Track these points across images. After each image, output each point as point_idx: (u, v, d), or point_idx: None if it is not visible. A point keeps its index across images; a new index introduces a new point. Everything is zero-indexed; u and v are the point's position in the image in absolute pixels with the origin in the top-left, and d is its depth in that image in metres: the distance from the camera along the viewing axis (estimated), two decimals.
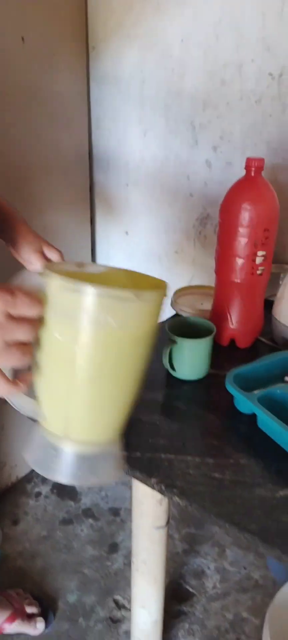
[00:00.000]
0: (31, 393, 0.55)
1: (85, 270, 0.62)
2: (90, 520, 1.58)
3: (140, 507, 0.84)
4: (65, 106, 1.44)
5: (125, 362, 0.52)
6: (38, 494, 1.66)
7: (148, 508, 0.83)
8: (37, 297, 0.48)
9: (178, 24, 1.26)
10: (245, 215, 0.83)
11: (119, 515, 1.60)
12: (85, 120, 1.53)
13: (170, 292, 1.15)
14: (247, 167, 0.84)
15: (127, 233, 1.60)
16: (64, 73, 1.41)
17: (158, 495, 0.81)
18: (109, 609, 1.32)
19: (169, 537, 1.51)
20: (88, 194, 1.61)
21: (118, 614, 1.31)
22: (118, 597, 1.35)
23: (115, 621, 1.30)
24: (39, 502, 1.63)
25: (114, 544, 1.50)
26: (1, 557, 1.42)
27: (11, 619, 1.22)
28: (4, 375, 0.51)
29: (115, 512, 1.61)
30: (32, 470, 1.72)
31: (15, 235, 0.81)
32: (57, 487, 1.68)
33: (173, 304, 1.07)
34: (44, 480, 1.71)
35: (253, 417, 0.75)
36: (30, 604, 1.27)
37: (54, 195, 1.48)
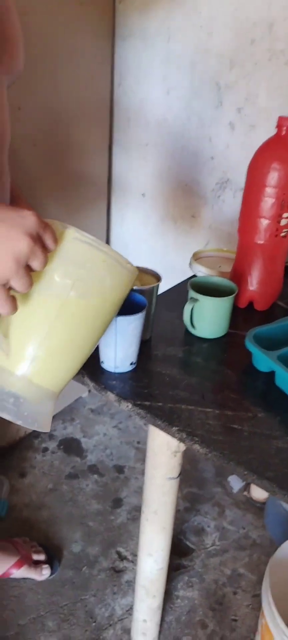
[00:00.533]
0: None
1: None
2: (95, 476, 1.60)
3: (154, 459, 0.85)
4: (88, 60, 1.41)
5: (103, 324, 0.60)
6: (45, 450, 1.68)
7: (162, 459, 0.84)
8: (57, 237, 0.53)
9: None
10: (274, 174, 0.82)
11: (123, 472, 1.62)
12: (108, 76, 1.50)
13: (188, 255, 1.15)
14: (279, 126, 0.83)
15: (143, 195, 1.58)
16: (89, 26, 1.38)
17: (173, 447, 0.82)
18: (111, 560, 1.36)
19: None
20: (107, 151, 1.60)
21: (120, 564, 1.35)
22: (121, 549, 1.39)
23: (117, 571, 1.33)
24: (46, 457, 1.65)
25: (117, 499, 1.53)
26: (9, 508, 1.45)
27: (18, 564, 1.25)
28: (7, 293, 0.51)
29: (119, 469, 1.64)
30: None
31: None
32: (64, 444, 1.71)
33: (191, 265, 1.07)
34: (51, 436, 1.73)
35: (270, 375, 0.76)
36: (36, 552, 1.30)
37: (74, 148, 1.46)
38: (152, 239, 1.58)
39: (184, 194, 1.48)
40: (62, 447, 1.70)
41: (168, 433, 0.67)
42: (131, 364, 0.75)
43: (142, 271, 0.84)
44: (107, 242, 1.77)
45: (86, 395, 1.92)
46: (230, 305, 0.84)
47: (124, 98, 1.52)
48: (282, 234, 0.87)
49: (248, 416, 0.69)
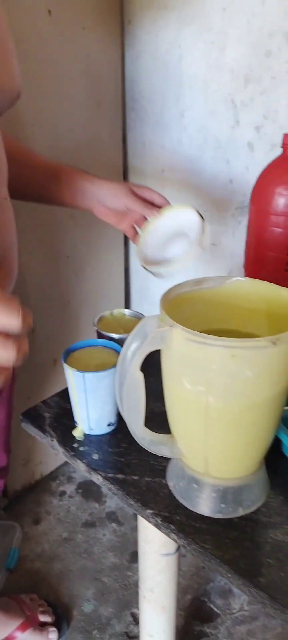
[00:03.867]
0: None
1: (203, 287, 0.57)
2: (114, 525, 1.50)
3: (145, 532, 0.74)
4: (97, 84, 1.35)
5: (261, 405, 0.48)
6: (62, 493, 1.60)
7: (154, 533, 0.73)
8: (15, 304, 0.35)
9: None
10: (280, 200, 0.70)
11: None
12: (119, 99, 1.43)
13: None
14: (284, 145, 0.71)
15: None
16: (96, 49, 1.32)
17: None
18: (125, 623, 1.24)
19: None
20: (121, 178, 1.52)
21: (135, 629, 1.22)
22: (136, 611, 1.26)
23: (131, 637, 1.21)
24: (63, 502, 1.57)
25: (136, 552, 1.41)
26: (18, 558, 1.38)
27: (23, 627, 1.17)
28: None
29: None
30: (58, 468, 1.67)
31: (84, 186, 0.73)
32: (83, 487, 1.62)
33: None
34: (70, 479, 1.65)
35: (276, 441, 0.63)
36: (43, 612, 1.21)
37: None
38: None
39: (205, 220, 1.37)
40: (80, 491, 1.61)
41: (141, 515, 0.56)
42: (109, 424, 0.65)
43: (130, 316, 0.75)
44: (126, 274, 1.68)
45: None
46: None
47: (138, 122, 1.45)
48: None
49: None
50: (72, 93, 1.28)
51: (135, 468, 0.60)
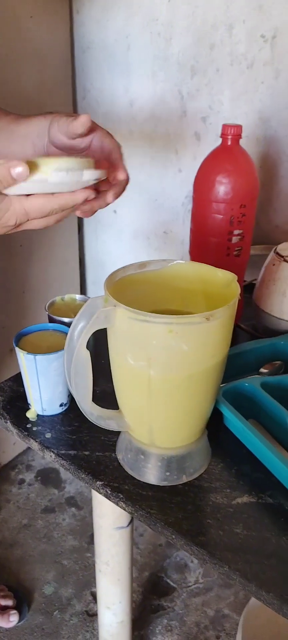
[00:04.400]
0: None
1: (147, 270, 0.60)
2: (73, 509, 1.52)
3: (99, 507, 0.78)
4: (47, 74, 1.35)
5: (198, 377, 0.52)
6: (21, 481, 1.61)
7: (107, 508, 0.76)
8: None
9: None
10: (220, 188, 0.75)
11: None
12: (70, 88, 1.44)
13: None
14: (223, 135, 0.76)
15: (115, 212, 1.52)
16: (46, 38, 1.32)
17: None
18: (85, 603, 1.27)
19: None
20: None
21: (94, 607, 1.26)
22: (95, 590, 1.30)
23: (91, 615, 1.25)
24: (22, 490, 1.58)
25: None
26: None
27: None
28: None
29: None
30: (17, 457, 1.68)
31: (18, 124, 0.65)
32: (42, 474, 1.63)
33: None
34: (29, 467, 1.66)
35: (219, 414, 0.67)
36: (4, 597, 1.23)
37: None
38: (125, 257, 1.51)
39: (155, 209, 1.40)
40: (39, 478, 1.62)
41: (92, 487, 0.59)
42: (61, 405, 0.68)
43: (80, 301, 0.77)
44: (81, 265, 1.70)
45: None
46: None
47: (89, 111, 1.46)
48: (235, 253, 0.79)
49: None
50: (22, 83, 1.28)
51: (86, 444, 0.63)
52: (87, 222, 1.62)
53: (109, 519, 0.77)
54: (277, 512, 0.54)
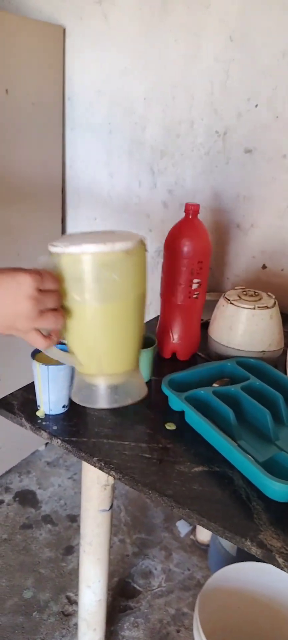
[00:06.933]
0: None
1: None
2: (49, 526, 1.68)
3: (87, 492, 0.98)
4: (42, 148, 1.61)
5: (129, 305, 0.66)
6: (1, 502, 1.75)
7: (94, 493, 0.97)
8: (56, 273, 0.63)
9: (142, 85, 1.46)
10: (184, 249, 1.00)
11: (75, 521, 1.71)
12: (60, 161, 1.70)
13: None
14: (186, 211, 1.02)
15: None
16: (43, 119, 1.59)
17: (103, 481, 0.95)
18: (61, 604, 1.43)
19: (121, 540, 1.64)
20: (60, 225, 1.78)
21: (69, 608, 1.42)
22: (70, 594, 1.46)
23: (66, 615, 1.40)
24: (1, 509, 1.73)
25: (69, 547, 1.61)
26: None
27: None
28: (41, 334, 0.66)
29: (72, 518, 1.72)
30: None
31: None
32: (19, 495, 1.78)
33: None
34: (7, 489, 1.81)
35: (182, 414, 0.90)
36: None
37: (28, 225, 1.63)
38: None
39: None
40: (17, 499, 1.77)
41: (89, 463, 0.80)
42: (63, 406, 0.88)
43: None
44: None
45: (43, 449, 2.01)
46: (150, 355, 0.99)
47: (75, 179, 1.72)
48: (194, 296, 1.04)
49: (159, 447, 0.83)
50: (20, 152, 1.53)
51: (83, 434, 0.84)
52: None
53: (95, 503, 0.98)
54: (221, 476, 0.77)
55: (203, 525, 0.70)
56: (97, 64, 1.55)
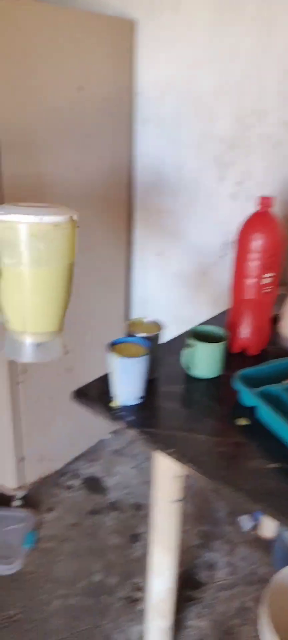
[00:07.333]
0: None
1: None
2: (115, 513, 1.73)
3: (158, 484, 1.00)
4: (111, 144, 1.64)
5: (55, 272, 0.73)
6: (69, 487, 1.83)
7: (165, 484, 0.99)
8: None
9: (212, 77, 1.45)
10: (255, 243, 1.00)
11: (141, 510, 1.74)
12: (127, 156, 1.73)
13: (199, 309, 1.31)
14: (260, 204, 1.01)
15: (159, 255, 1.78)
16: (113, 116, 1.62)
17: (175, 472, 0.97)
18: (128, 590, 1.47)
19: (185, 531, 1.65)
20: (126, 219, 1.81)
21: (136, 594, 1.46)
22: (137, 581, 1.50)
23: (133, 600, 1.44)
24: (70, 494, 1.80)
25: (135, 534, 1.65)
26: (36, 540, 1.60)
27: None
28: None
29: (137, 507, 1.76)
30: (67, 465, 1.90)
31: None
32: (87, 482, 1.85)
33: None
34: (76, 475, 1.88)
35: (252, 409, 0.90)
36: None
37: (95, 217, 1.67)
38: (168, 293, 1.77)
39: (195, 254, 1.66)
40: (85, 485, 1.84)
41: (166, 454, 0.82)
42: (138, 398, 0.91)
43: (148, 323, 1.01)
44: (129, 298, 1.96)
45: (109, 438, 2.07)
46: (221, 350, 0.99)
47: (144, 172, 1.74)
48: (266, 291, 1.03)
49: (232, 442, 0.84)
50: (90, 147, 1.57)
51: (157, 425, 0.87)
52: (135, 262, 1.89)
53: (166, 493, 1.00)
54: None
55: (280, 522, 0.70)
56: (167, 57, 1.55)
